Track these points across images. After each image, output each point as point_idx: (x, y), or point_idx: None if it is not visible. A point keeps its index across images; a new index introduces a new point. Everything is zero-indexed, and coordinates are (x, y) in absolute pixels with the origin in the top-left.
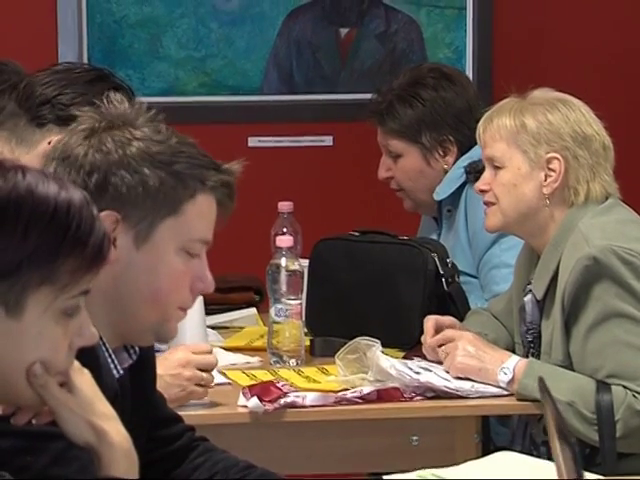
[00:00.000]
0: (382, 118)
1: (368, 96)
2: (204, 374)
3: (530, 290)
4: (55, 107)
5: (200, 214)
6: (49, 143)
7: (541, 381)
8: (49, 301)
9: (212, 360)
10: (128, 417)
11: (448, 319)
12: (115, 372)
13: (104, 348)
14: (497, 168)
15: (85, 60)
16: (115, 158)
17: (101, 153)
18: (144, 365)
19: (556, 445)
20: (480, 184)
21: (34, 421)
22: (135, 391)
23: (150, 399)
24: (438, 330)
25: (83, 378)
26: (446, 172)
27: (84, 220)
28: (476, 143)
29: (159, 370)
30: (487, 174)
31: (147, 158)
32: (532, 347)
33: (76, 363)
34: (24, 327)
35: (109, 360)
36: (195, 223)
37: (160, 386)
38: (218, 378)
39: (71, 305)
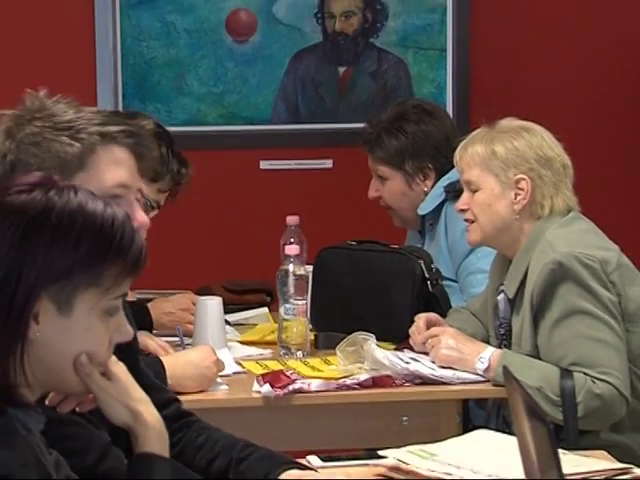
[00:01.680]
0: (371, 147)
1: (363, 125)
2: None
3: (503, 290)
4: None
5: (111, 161)
6: None
7: (505, 369)
8: (94, 302)
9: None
10: None
11: (434, 316)
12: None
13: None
14: (474, 190)
15: (119, 95)
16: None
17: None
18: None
19: (525, 425)
20: (460, 204)
21: (77, 409)
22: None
23: (136, 369)
24: (427, 326)
25: (120, 369)
26: (426, 193)
27: (126, 232)
28: (452, 167)
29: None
30: (465, 195)
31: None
32: (504, 339)
33: (113, 357)
34: (72, 323)
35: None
36: (106, 170)
37: (186, 372)
38: (235, 368)
39: (112, 306)
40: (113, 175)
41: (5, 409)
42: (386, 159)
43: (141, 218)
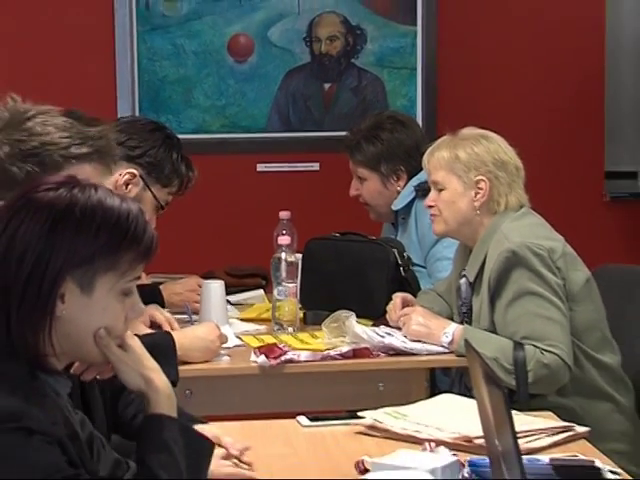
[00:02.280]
0: (352, 152)
1: (345, 133)
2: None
3: (465, 275)
4: (125, 148)
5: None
6: (120, 175)
7: (466, 342)
8: (112, 284)
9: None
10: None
11: (408, 296)
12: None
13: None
14: (440, 189)
15: (136, 107)
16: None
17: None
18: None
19: (483, 390)
20: (428, 201)
21: (98, 377)
22: None
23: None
24: (402, 304)
25: (135, 342)
26: (399, 192)
27: (139, 224)
28: (422, 169)
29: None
30: (432, 194)
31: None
32: (466, 317)
33: (129, 331)
34: (93, 302)
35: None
36: None
37: (193, 344)
38: (236, 341)
39: (128, 287)
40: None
41: (37, 375)
42: (364, 162)
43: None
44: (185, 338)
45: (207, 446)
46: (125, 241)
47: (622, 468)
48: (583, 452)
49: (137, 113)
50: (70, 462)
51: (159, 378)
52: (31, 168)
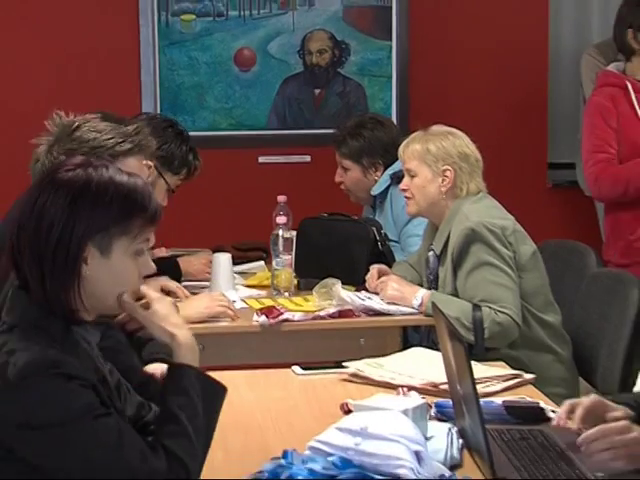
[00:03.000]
0: (338, 146)
1: (332, 131)
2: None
3: (432, 249)
4: None
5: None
6: None
7: (434, 304)
8: (126, 246)
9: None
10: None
11: (384, 267)
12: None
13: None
14: (412, 176)
15: (158, 109)
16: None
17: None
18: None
19: (447, 344)
20: (402, 186)
21: (127, 326)
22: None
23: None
24: (379, 274)
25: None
26: (376, 181)
27: (145, 195)
28: (396, 161)
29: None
30: (406, 180)
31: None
32: (433, 284)
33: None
34: (112, 263)
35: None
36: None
37: (201, 304)
38: (241, 304)
39: (139, 249)
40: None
41: (71, 329)
42: (349, 155)
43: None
44: (200, 299)
45: (220, 390)
46: (134, 210)
47: None
48: (530, 395)
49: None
50: (102, 402)
51: (182, 333)
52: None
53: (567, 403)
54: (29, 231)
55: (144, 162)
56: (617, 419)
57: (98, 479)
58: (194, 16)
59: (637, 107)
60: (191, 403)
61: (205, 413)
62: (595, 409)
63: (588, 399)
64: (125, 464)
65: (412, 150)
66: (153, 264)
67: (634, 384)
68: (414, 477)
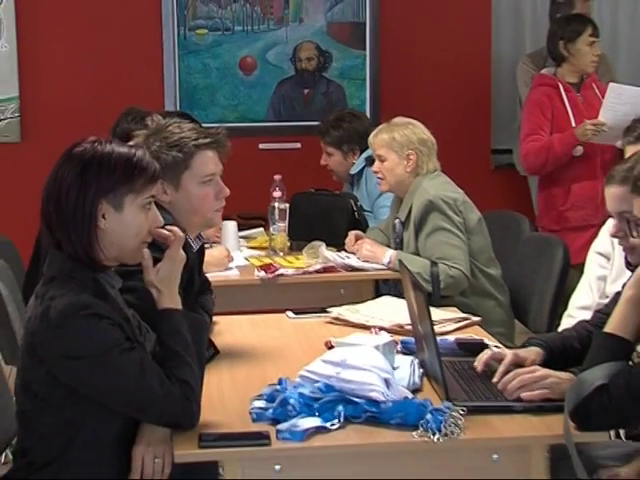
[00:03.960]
0: (323, 136)
1: (318, 123)
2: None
3: (398, 217)
4: None
5: (204, 162)
6: None
7: (400, 261)
8: (133, 200)
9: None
10: (190, 272)
11: (359, 232)
12: (195, 247)
13: (189, 237)
14: (382, 161)
15: (178, 105)
16: (151, 150)
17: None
18: (201, 250)
19: (410, 293)
20: (374, 168)
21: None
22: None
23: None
24: (355, 238)
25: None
26: (354, 163)
27: (144, 159)
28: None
29: (212, 251)
30: (377, 163)
31: (166, 145)
32: (399, 245)
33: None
34: (125, 216)
35: (191, 241)
36: (202, 167)
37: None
38: (244, 262)
39: (146, 202)
40: (205, 169)
41: (97, 278)
42: (331, 143)
43: (226, 190)
44: (209, 255)
45: (202, 323)
46: (135, 171)
47: (502, 344)
48: (476, 334)
49: (178, 109)
50: (127, 338)
51: (168, 290)
52: (175, 153)
53: (488, 353)
54: (53, 198)
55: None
56: (531, 363)
57: (125, 401)
58: (207, 31)
59: (567, 103)
60: (183, 338)
61: (194, 342)
62: (515, 362)
63: (509, 357)
64: (147, 388)
65: (380, 139)
66: (160, 217)
67: (559, 325)
68: (384, 399)
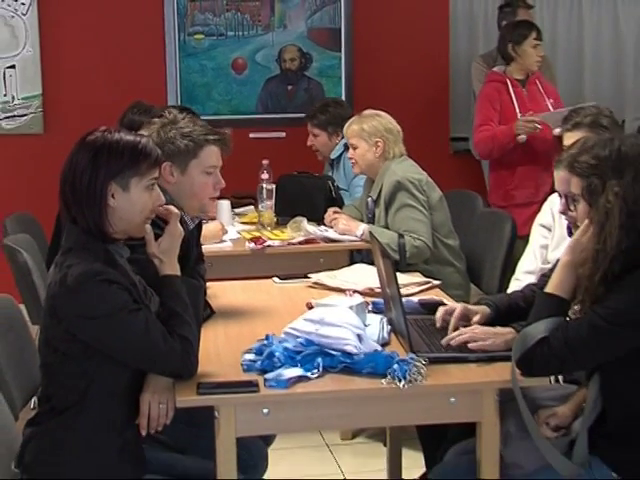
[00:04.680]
0: (311, 119)
1: (301, 115)
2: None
3: (370, 196)
4: None
5: (210, 154)
6: None
7: (371, 234)
8: (138, 182)
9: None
10: (188, 244)
11: (336, 208)
12: (190, 225)
13: (186, 217)
14: (355, 148)
15: (179, 100)
16: (167, 137)
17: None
18: (199, 226)
19: (380, 261)
20: (349, 155)
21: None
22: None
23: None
24: (333, 213)
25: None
26: (337, 143)
27: (148, 146)
28: None
29: (208, 225)
30: (351, 151)
31: (180, 134)
32: (370, 220)
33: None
34: (131, 196)
35: (187, 220)
36: (207, 159)
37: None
38: (237, 235)
39: (150, 184)
40: (210, 161)
41: (108, 249)
42: (318, 124)
43: (222, 183)
44: (205, 229)
45: (198, 287)
46: (140, 156)
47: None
48: (437, 295)
49: (179, 104)
50: (134, 301)
51: (169, 260)
52: (187, 142)
53: (442, 309)
54: (69, 180)
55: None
56: (476, 322)
57: (133, 354)
58: (203, 36)
59: (513, 97)
60: (182, 300)
61: (192, 304)
62: (463, 315)
63: (458, 309)
64: (151, 344)
65: (352, 130)
66: (163, 197)
67: (508, 287)
68: (357, 351)
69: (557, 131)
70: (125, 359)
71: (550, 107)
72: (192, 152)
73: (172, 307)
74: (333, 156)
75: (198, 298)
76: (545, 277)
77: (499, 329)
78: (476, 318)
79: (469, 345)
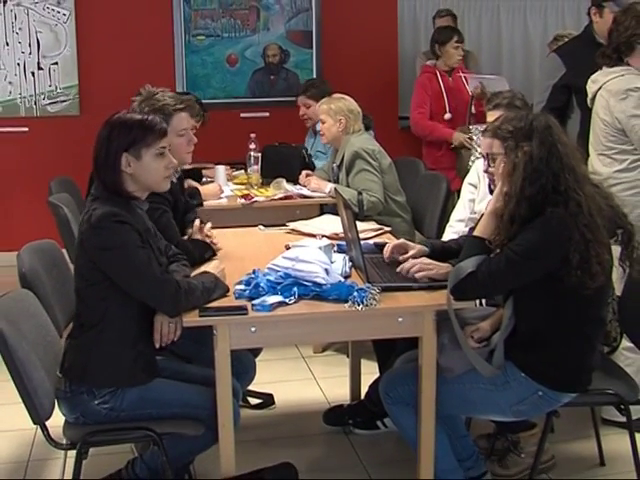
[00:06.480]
0: (304, 92)
1: (282, 99)
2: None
3: (335, 162)
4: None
5: (180, 120)
6: None
7: (336, 190)
8: (148, 151)
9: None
10: (175, 196)
11: (309, 171)
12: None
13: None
14: (324, 123)
15: (184, 88)
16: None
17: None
18: (180, 179)
19: (343, 212)
20: (319, 128)
21: None
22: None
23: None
24: (306, 175)
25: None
26: None
27: (154, 120)
28: None
29: (208, 186)
30: (321, 124)
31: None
32: (336, 181)
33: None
34: (145, 164)
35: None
36: (178, 124)
37: (208, 189)
38: (230, 192)
39: (159, 151)
40: (181, 125)
41: (130, 203)
42: (311, 96)
43: (194, 139)
44: (205, 188)
45: (222, 287)
46: (148, 129)
47: None
48: (388, 239)
49: (185, 90)
50: (141, 241)
51: (212, 272)
52: (161, 115)
53: (388, 245)
54: (96, 152)
55: (192, 119)
56: (413, 256)
57: (135, 283)
58: (204, 37)
59: (442, 84)
60: (201, 285)
61: (207, 292)
62: (400, 247)
63: (398, 241)
64: (152, 272)
65: (322, 108)
66: (175, 162)
67: (444, 233)
68: (325, 282)
69: (472, 89)
70: (129, 287)
71: (469, 92)
72: (166, 122)
73: (196, 279)
74: (317, 128)
75: (215, 293)
76: (472, 229)
77: (440, 263)
78: (412, 252)
79: (417, 275)
